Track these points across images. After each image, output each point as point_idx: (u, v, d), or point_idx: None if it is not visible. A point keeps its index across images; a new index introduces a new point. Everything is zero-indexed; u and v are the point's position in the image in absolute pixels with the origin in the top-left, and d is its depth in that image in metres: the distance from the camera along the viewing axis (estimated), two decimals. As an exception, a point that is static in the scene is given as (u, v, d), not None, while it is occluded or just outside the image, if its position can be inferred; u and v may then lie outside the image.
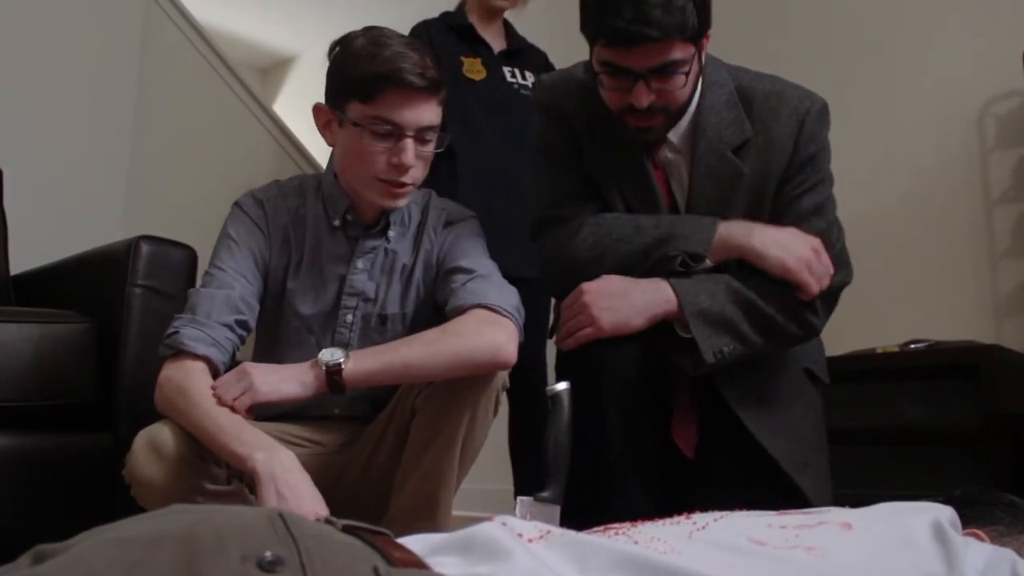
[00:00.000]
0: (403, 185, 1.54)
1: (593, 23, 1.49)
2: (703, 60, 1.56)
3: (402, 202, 1.58)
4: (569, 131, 1.67)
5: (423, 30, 2.58)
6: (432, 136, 1.54)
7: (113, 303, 1.93)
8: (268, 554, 0.60)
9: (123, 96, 2.97)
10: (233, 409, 1.36)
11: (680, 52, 1.47)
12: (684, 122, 1.60)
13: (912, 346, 2.98)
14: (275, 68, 6.19)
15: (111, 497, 1.76)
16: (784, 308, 1.56)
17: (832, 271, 1.56)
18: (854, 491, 1.72)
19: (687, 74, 1.50)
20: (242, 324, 1.52)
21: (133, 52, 3.01)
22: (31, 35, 2.75)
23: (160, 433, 1.38)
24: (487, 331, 1.46)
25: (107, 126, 2.90)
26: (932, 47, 3.38)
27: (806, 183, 1.61)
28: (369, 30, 1.55)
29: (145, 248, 1.96)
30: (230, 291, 1.51)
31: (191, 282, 2.04)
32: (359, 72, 1.49)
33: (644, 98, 1.49)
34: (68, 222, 2.73)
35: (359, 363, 1.42)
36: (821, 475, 1.62)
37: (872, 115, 3.40)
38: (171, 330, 1.47)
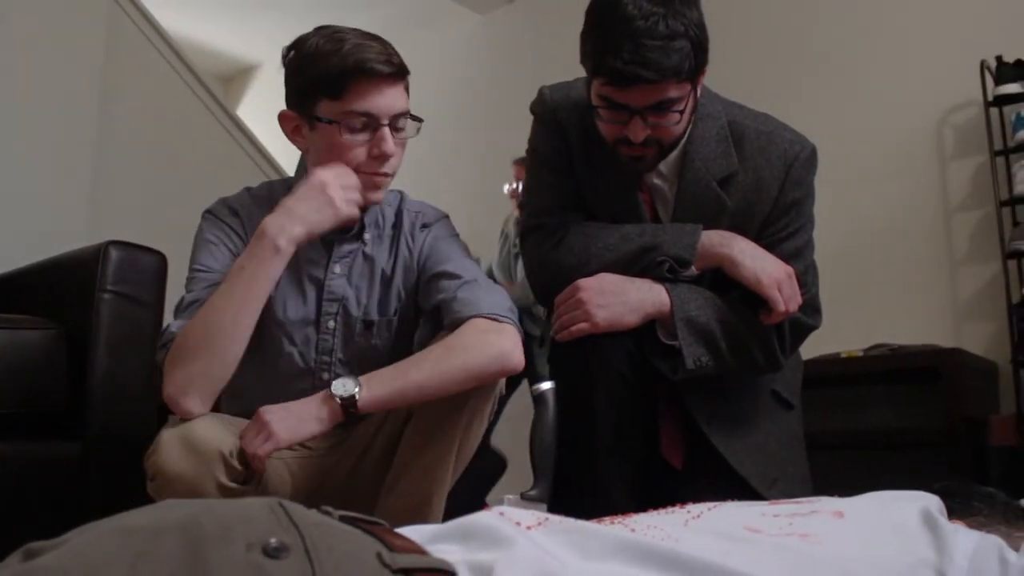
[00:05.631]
0: (384, 175, 1.53)
1: (593, 60, 1.51)
2: (699, 95, 1.58)
3: (381, 194, 1.57)
4: (564, 143, 1.69)
5: None
6: (404, 123, 1.53)
7: (82, 309, 1.89)
8: (273, 541, 0.60)
9: (87, 101, 2.92)
10: (258, 458, 1.35)
11: (676, 91, 1.49)
12: (674, 150, 1.62)
13: (875, 351, 3.03)
14: (238, 76, 6.15)
15: (81, 505, 1.73)
16: (757, 337, 1.61)
17: (800, 300, 1.59)
18: (821, 495, 1.74)
19: (682, 111, 1.52)
20: None
21: (96, 56, 2.96)
22: (-8, 39, 2.71)
23: (193, 429, 1.35)
24: (491, 340, 1.45)
25: (71, 131, 2.86)
26: (892, 58, 3.45)
27: (788, 227, 1.65)
28: (321, 29, 1.53)
29: (114, 253, 1.92)
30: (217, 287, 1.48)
31: (161, 288, 2.00)
32: (324, 69, 1.46)
33: (640, 133, 1.52)
34: (30, 228, 2.67)
35: (373, 391, 1.40)
36: (794, 488, 1.64)
37: (833, 124, 3.46)
38: (167, 337, 1.44)
